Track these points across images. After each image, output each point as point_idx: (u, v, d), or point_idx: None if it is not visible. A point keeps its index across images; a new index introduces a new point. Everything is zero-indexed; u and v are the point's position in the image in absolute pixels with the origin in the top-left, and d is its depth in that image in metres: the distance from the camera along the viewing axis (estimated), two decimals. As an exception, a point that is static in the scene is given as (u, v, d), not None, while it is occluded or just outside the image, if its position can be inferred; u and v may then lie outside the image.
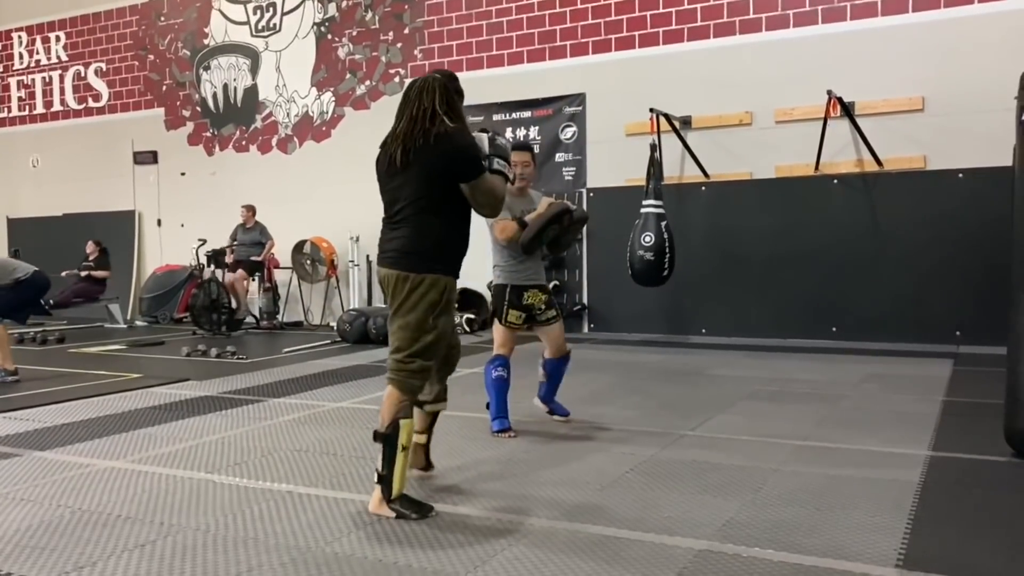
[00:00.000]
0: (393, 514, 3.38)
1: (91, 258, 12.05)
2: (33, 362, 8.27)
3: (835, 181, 8.98)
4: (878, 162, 8.72)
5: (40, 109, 14.83)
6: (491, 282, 5.11)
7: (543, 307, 4.96)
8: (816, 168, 8.94)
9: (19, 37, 14.98)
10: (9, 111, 15.17)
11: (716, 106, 9.53)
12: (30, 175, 14.76)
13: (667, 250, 8.68)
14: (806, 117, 8.98)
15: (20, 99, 15.02)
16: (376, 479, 3.43)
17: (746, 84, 9.36)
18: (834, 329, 8.91)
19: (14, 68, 15.06)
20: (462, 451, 4.49)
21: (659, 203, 8.80)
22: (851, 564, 2.86)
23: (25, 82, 14.96)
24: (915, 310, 8.57)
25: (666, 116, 9.31)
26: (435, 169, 3.42)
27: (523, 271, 4.94)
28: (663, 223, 8.73)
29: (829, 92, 8.42)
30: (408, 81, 4.22)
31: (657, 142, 9.09)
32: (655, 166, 8.93)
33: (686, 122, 9.65)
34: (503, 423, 4.83)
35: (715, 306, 9.52)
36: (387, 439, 3.37)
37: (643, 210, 8.80)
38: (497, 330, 4.96)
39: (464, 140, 3.47)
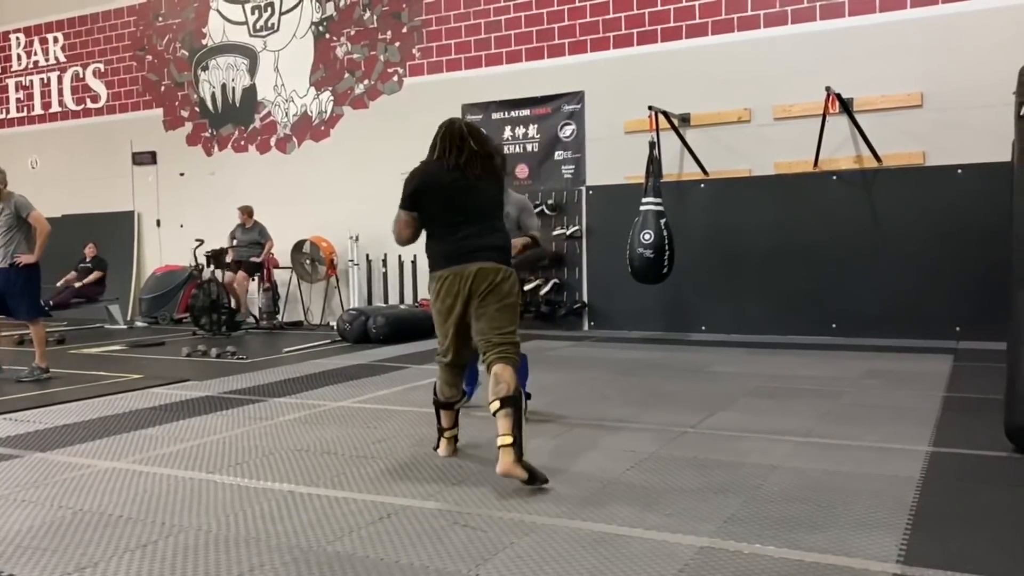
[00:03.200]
0: (525, 475, 3.71)
1: (88, 259, 12.01)
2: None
3: (834, 177, 8.99)
4: (877, 158, 8.72)
5: (38, 110, 14.82)
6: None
7: None
8: (815, 164, 8.94)
9: (16, 38, 14.97)
10: (7, 112, 15.16)
11: (715, 103, 9.53)
12: (29, 177, 14.74)
13: (667, 247, 8.68)
14: (805, 114, 8.98)
15: (18, 100, 15.02)
16: (508, 443, 3.73)
17: (745, 81, 9.36)
18: (834, 326, 8.91)
19: (12, 69, 15.06)
20: (462, 449, 4.49)
21: (658, 200, 8.81)
22: (852, 560, 2.86)
23: (23, 83, 14.95)
24: (915, 306, 8.58)
25: (665, 113, 9.31)
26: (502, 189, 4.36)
27: None
28: (662, 220, 8.73)
29: (828, 88, 8.42)
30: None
31: (656, 139, 9.10)
32: (654, 163, 8.93)
33: (685, 119, 9.64)
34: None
35: (715, 303, 9.53)
36: (518, 402, 3.83)
37: (642, 208, 8.81)
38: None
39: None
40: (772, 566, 2.84)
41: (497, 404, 3.80)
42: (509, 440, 3.74)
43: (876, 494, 3.60)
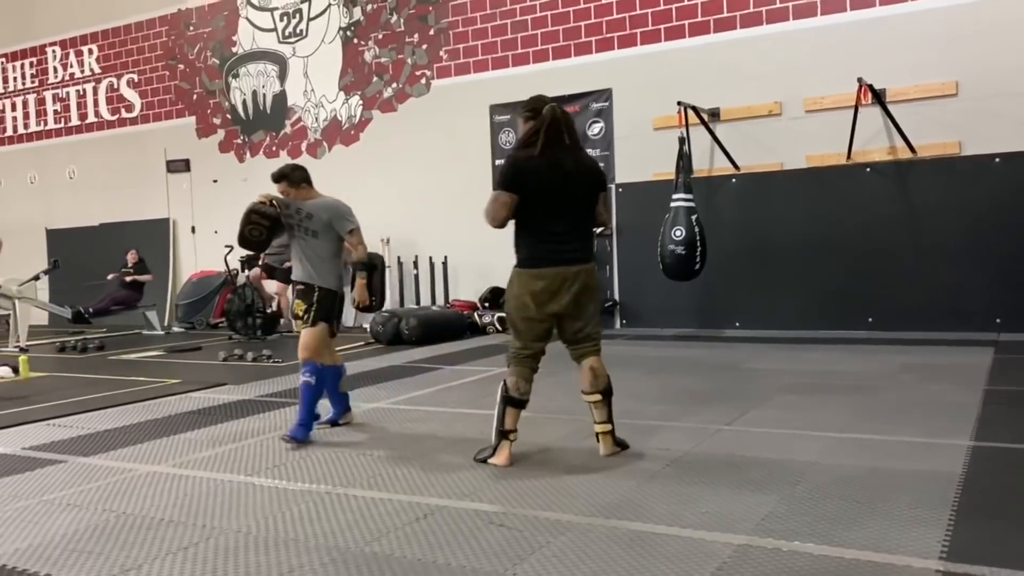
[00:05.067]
0: (624, 448, 4.35)
1: (131, 265, 12.24)
2: (75, 369, 8.44)
3: (868, 169, 8.87)
4: (911, 149, 8.59)
5: (75, 121, 15.10)
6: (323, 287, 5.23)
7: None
8: (848, 157, 8.83)
9: (53, 51, 15.27)
10: (45, 124, 15.47)
11: (745, 97, 9.45)
12: (67, 186, 15.05)
13: (698, 244, 8.63)
14: (837, 105, 8.88)
15: (56, 112, 15.31)
16: (608, 430, 4.29)
17: (775, 74, 9.28)
18: (870, 320, 8.79)
19: (49, 82, 15.36)
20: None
21: (689, 196, 8.76)
22: (893, 557, 2.82)
23: (60, 95, 15.25)
24: (953, 298, 8.44)
25: (694, 109, 9.25)
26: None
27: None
28: (694, 216, 8.68)
29: (860, 79, 8.31)
30: (530, 99, 4.25)
31: (686, 135, 9.04)
32: (684, 159, 8.88)
33: (714, 114, 9.58)
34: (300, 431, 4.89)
35: (748, 299, 9.44)
36: (612, 393, 4.33)
37: (673, 204, 8.76)
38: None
39: None
40: (812, 564, 2.81)
41: (599, 396, 4.25)
42: (609, 427, 4.30)
43: (917, 490, 3.55)
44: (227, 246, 11.74)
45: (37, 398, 6.69)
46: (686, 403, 5.64)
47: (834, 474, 3.85)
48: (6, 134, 15.93)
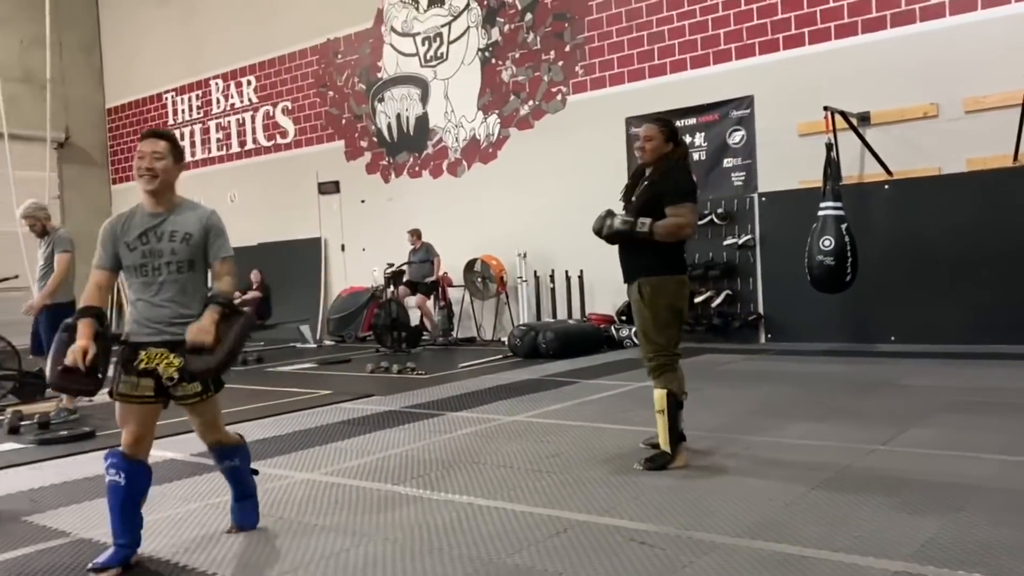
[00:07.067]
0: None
1: (255, 285, 12.76)
2: (237, 380, 8.99)
3: (1038, 171, 8.21)
4: (1089, 147, 7.90)
5: (235, 148, 16.17)
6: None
7: (174, 376, 3.32)
8: (1015, 159, 8.20)
9: (216, 84, 16.42)
10: (209, 152, 16.65)
11: (896, 99, 8.98)
12: (229, 209, 16.10)
13: (849, 254, 8.28)
14: (1001, 104, 8.28)
15: (218, 140, 16.46)
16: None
17: (929, 74, 8.76)
18: (1043, 333, 8.11)
19: (212, 112, 16.52)
20: (631, 465, 4.45)
21: (838, 204, 8.41)
22: (1074, 593, 2.60)
23: (222, 124, 16.37)
24: None
25: (842, 113, 8.87)
26: None
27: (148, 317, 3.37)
28: (843, 225, 8.33)
29: (1027, 75, 7.72)
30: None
31: (833, 141, 8.69)
32: (832, 166, 8.55)
33: (864, 118, 9.14)
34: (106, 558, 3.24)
35: (905, 311, 8.92)
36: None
37: (820, 213, 8.45)
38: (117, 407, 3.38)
39: None
40: (978, 596, 2.62)
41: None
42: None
43: (1101, 520, 3.24)
44: (388, 264, 12.18)
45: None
46: (837, 421, 5.39)
47: (1003, 499, 3.58)
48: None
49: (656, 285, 4.37)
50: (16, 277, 10.88)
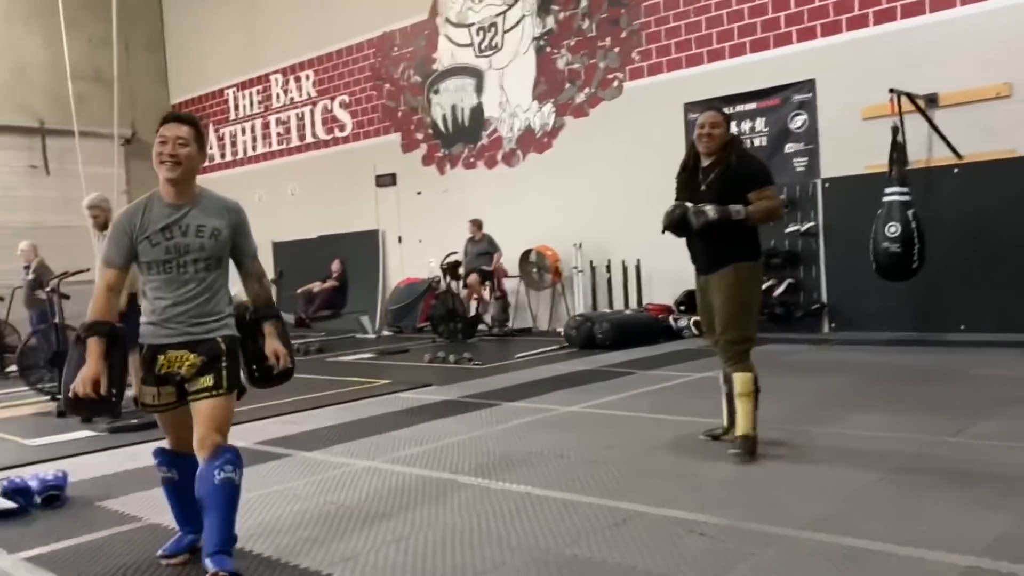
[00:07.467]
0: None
1: (335, 275, 13.25)
2: (299, 370, 9.13)
3: (1120, 152, 7.85)
4: None
5: (295, 142, 16.42)
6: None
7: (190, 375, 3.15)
8: (1094, 139, 7.86)
9: (276, 79, 16.69)
10: (270, 146, 16.94)
11: (966, 80, 8.67)
12: (289, 202, 16.38)
13: (916, 240, 8.05)
14: (1079, 82, 7.93)
15: (279, 134, 16.73)
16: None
17: (1002, 52, 8.44)
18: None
19: (272, 107, 16.81)
20: (698, 455, 4.40)
21: (904, 190, 8.19)
22: None
23: (282, 119, 16.64)
24: None
25: (908, 95, 8.61)
26: None
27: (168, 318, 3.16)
28: (910, 211, 8.11)
29: (1108, 51, 7.38)
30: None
31: (899, 124, 8.44)
32: (898, 150, 8.32)
33: (932, 100, 8.86)
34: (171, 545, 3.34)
35: (975, 299, 8.63)
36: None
37: (886, 199, 8.23)
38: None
39: None
40: (1056, 593, 2.53)
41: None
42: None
43: None
44: (451, 253, 12.29)
45: (268, 396, 7.29)
46: (904, 412, 5.25)
47: (1082, 494, 3.44)
48: (237, 156, 17.60)
49: (751, 269, 4.45)
50: (88, 270, 11.26)
